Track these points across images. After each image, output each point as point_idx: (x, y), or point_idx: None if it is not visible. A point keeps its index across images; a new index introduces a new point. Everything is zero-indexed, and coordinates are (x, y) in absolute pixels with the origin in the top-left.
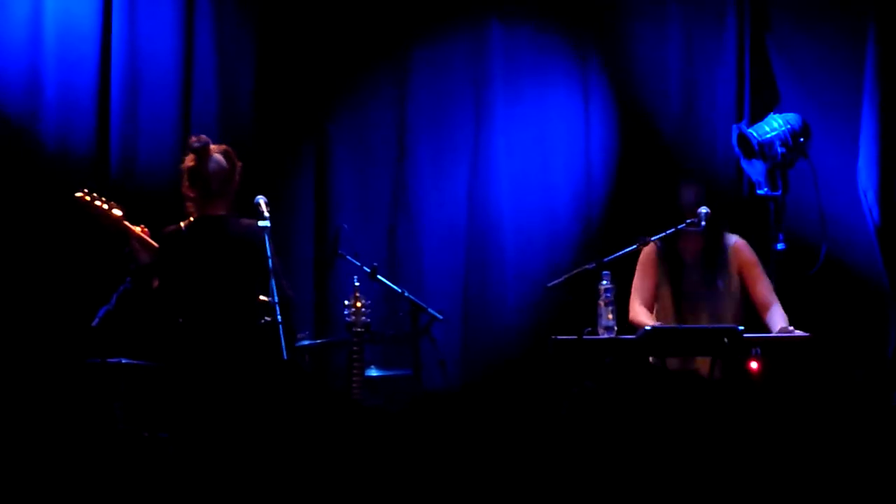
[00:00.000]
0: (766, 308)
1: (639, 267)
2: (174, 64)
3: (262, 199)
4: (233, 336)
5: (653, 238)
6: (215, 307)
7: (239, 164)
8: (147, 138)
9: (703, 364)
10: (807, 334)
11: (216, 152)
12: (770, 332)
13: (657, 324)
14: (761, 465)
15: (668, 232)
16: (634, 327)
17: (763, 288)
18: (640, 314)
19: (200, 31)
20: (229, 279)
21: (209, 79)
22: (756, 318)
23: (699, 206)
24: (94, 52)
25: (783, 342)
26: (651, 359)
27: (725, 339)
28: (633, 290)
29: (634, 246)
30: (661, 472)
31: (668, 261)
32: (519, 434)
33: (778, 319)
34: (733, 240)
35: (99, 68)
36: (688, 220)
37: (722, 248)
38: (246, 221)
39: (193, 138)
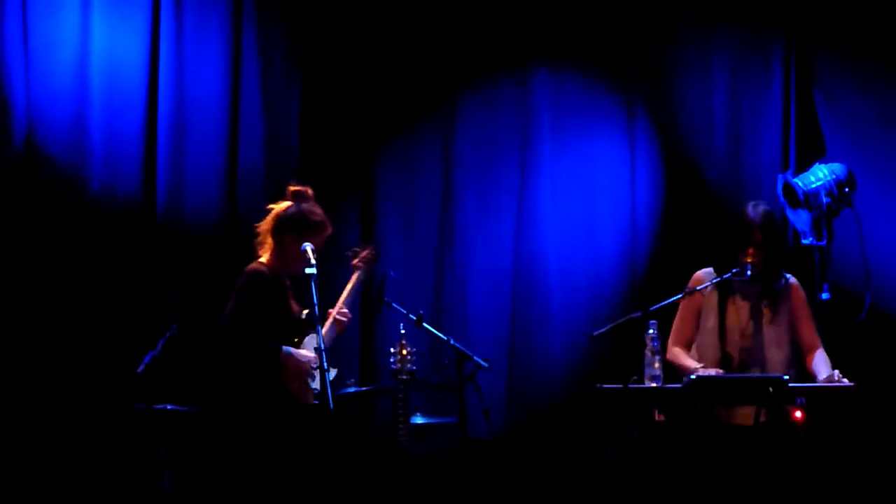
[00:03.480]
0: (812, 351)
1: (681, 308)
2: (221, 109)
3: (309, 247)
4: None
5: (698, 288)
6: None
7: None
8: (193, 181)
9: (744, 413)
10: (852, 384)
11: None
12: (813, 375)
13: (701, 371)
14: None
15: (713, 281)
16: (675, 368)
17: (810, 330)
18: (680, 355)
19: (247, 74)
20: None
21: (256, 124)
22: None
23: (773, 227)
24: (141, 97)
25: (829, 391)
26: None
27: (770, 388)
28: (672, 331)
29: (680, 295)
30: None
31: (719, 291)
32: (563, 483)
33: (822, 363)
34: (792, 279)
35: (145, 112)
36: (733, 270)
37: (781, 282)
38: None
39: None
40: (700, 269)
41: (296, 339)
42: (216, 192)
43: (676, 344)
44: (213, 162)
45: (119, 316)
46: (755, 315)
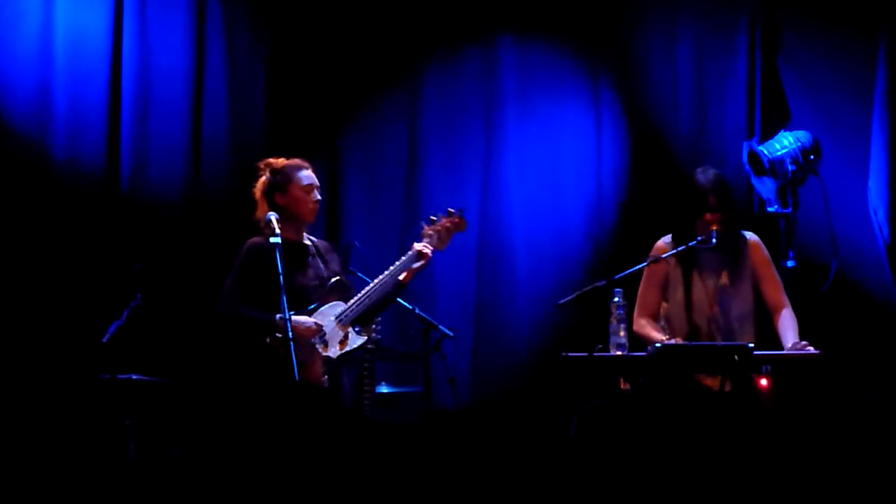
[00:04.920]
0: (778, 310)
1: (645, 278)
2: (185, 79)
3: (273, 216)
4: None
5: (663, 256)
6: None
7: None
8: (157, 153)
9: (708, 382)
10: (817, 351)
11: None
12: (781, 337)
13: (666, 339)
14: (771, 482)
15: (679, 249)
16: (641, 340)
17: (775, 289)
18: (646, 326)
19: (212, 46)
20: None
21: (220, 94)
22: (767, 319)
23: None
24: (105, 67)
25: (794, 359)
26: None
27: (736, 357)
28: (637, 302)
29: (645, 263)
30: (669, 490)
31: (682, 261)
32: (528, 452)
33: (789, 328)
34: (749, 236)
35: (109, 82)
36: (699, 238)
37: (739, 243)
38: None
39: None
40: (662, 237)
41: (311, 307)
42: (180, 163)
43: (642, 315)
44: (178, 133)
45: (84, 286)
46: (719, 284)
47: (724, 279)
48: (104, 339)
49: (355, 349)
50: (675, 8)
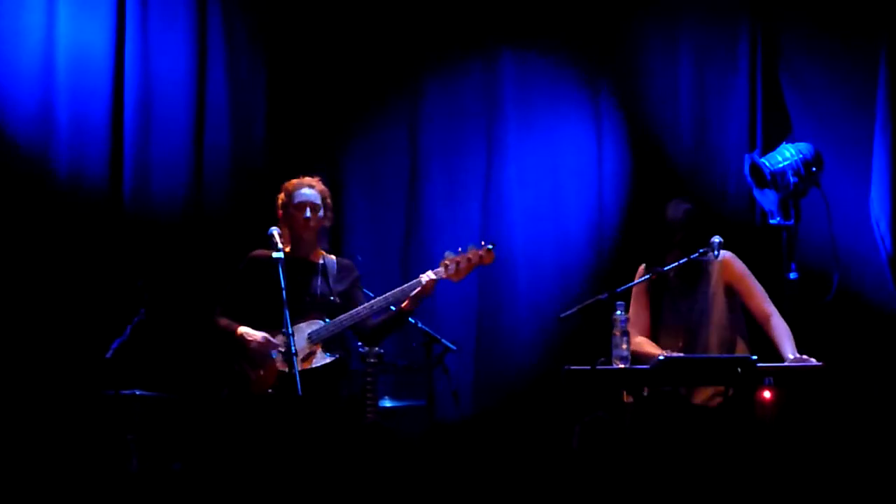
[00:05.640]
0: (767, 320)
1: (633, 297)
2: (187, 93)
3: (275, 231)
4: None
5: (665, 268)
6: None
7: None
8: (159, 168)
9: (703, 392)
10: (820, 363)
11: None
12: (777, 346)
13: (668, 353)
14: (774, 494)
15: (680, 262)
16: (639, 357)
17: (758, 300)
18: (643, 344)
19: (213, 60)
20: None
21: (222, 108)
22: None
23: (694, 227)
24: (107, 82)
25: (796, 371)
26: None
27: (739, 369)
28: (630, 321)
29: (647, 276)
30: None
31: (653, 286)
32: (530, 464)
33: (783, 333)
34: (721, 255)
35: (112, 98)
36: (700, 250)
37: (699, 265)
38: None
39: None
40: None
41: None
42: (182, 178)
43: (637, 333)
44: (180, 148)
45: (87, 302)
46: (694, 305)
47: (701, 300)
48: (108, 355)
49: (322, 366)
50: (676, 20)
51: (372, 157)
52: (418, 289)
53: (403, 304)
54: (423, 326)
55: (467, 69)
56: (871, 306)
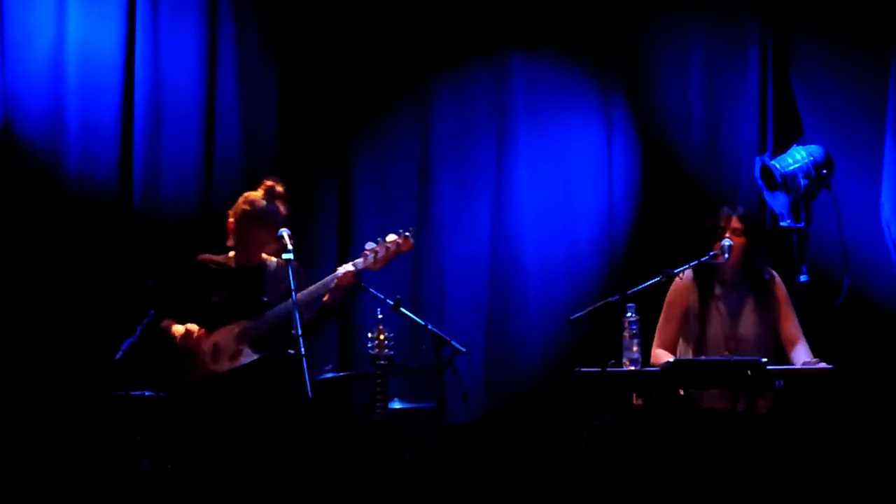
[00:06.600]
0: (793, 344)
1: (664, 312)
2: (197, 95)
3: (285, 232)
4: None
5: (675, 271)
6: None
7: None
8: (169, 169)
9: (713, 395)
10: (830, 366)
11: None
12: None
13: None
14: (785, 498)
15: (690, 265)
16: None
17: (793, 324)
18: (662, 356)
19: (224, 62)
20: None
21: (232, 110)
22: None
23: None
24: (117, 84)
25: (806, 374)
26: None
27: (749, 372)
28: (656, 334)
29: (658, 278)
30: None
31: (702, 296)
32: (540, 467)
33: (803, 356)
34: (773, 273)
35: (122, 99)
36: (711, 253)
37: (766, 277)
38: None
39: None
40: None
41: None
42: (193, 179)
43: (660, 346)
44: (190, 149)
45: (97, 303)
46: (739, 316)
47: (747, 312)
48: (117, 357)
49: (249, 364)
50: (686, 23)
51: (382, 160)
52: (335, 282)
53: (324, 298)
54: (434, 329)
55: (478, 73)
56: (881, 309)
